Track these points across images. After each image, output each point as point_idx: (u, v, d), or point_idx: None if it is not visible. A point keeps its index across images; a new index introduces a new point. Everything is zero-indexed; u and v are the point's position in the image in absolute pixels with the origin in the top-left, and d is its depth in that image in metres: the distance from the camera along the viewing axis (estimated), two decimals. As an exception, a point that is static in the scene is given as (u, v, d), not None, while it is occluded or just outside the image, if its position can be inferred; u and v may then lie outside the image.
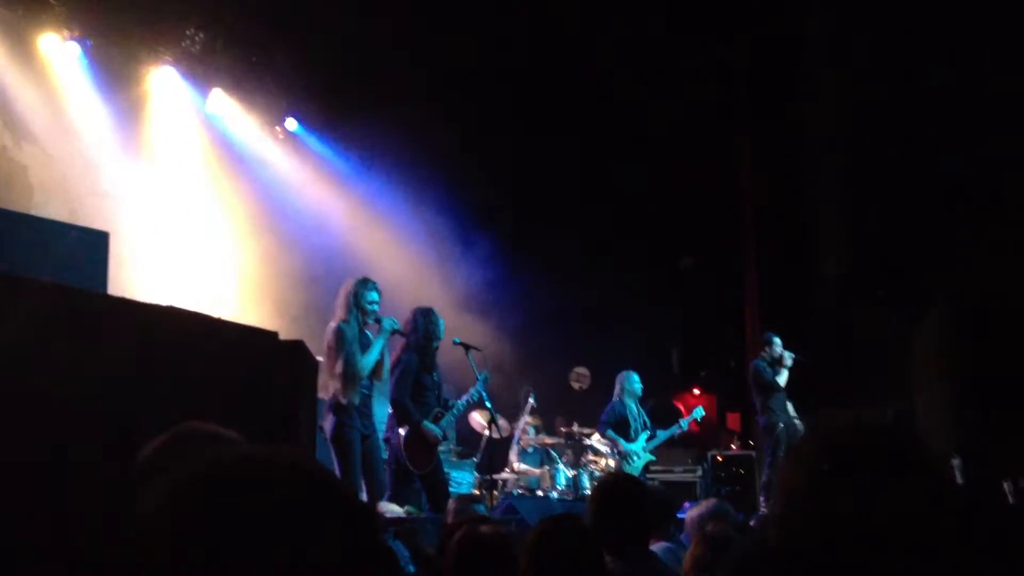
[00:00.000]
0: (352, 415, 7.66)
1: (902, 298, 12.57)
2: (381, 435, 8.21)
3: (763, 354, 11.69)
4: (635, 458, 11.07)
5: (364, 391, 7.81)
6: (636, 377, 11.38)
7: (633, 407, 11.24)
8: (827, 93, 14.52)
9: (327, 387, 7.70)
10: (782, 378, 11.43)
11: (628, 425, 11.11)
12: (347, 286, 7.95)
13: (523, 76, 13.33)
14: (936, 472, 1.63)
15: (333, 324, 7.80)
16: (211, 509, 1.04)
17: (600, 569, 3.40)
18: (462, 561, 3.52)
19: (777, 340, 11.69)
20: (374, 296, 7.92)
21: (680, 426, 11.54)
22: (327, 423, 7.66)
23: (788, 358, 11.53)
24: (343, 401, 7.61)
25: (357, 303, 7.86)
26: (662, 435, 11.43)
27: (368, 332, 7.99)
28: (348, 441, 7.62)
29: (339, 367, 7.62)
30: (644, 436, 11.21)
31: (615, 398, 11.32)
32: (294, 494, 1.07)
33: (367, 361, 7.76)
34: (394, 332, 8.01)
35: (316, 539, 1.05)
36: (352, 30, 11.78)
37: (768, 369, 11.47)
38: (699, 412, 11.74)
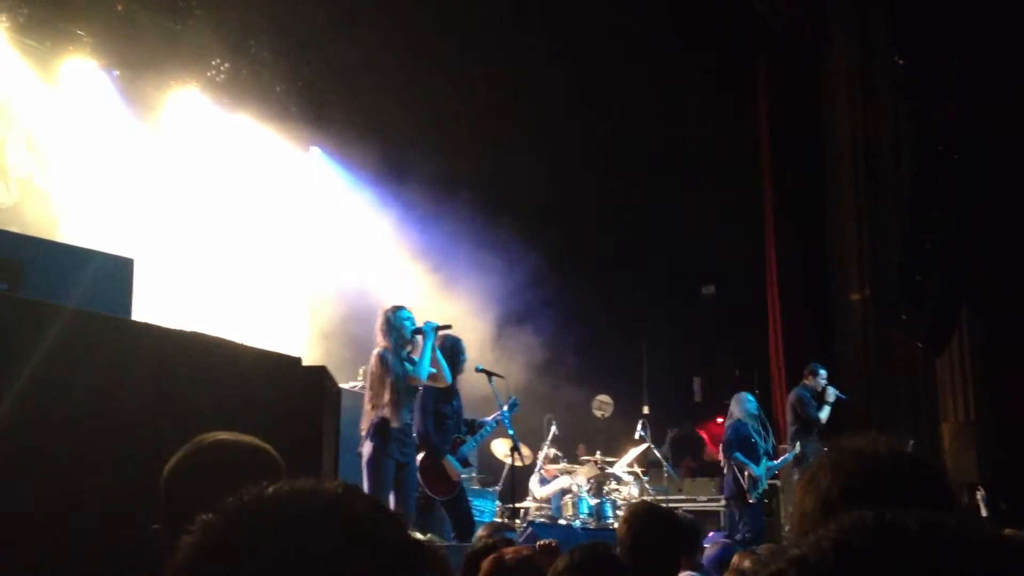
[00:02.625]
0: (390, 442, 7.66)
1: (926, 324, 12.49)
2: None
3: (806, 383, 11.42)
4: (761, 485, 10.54)
5: (407, 420, 7.83)
6: (752, 398, 10.93)
7: (752, 429, 10.70)
8: (847, 120, 14.52)
9: (367, 416, 7.72)
10: (824, 414, 11.11)
11: (755, 448, 10.56)
12: (380, 316, 8.02)
13: (556, 109, 13.37)
14: (951, 500, 1.63)
15: (376, 351, 7.86)
16: (249, 553, 1.00)
17: None
18: None
19: (823, 372, 11.35)
20: (406, 313, 8.00)
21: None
22: (365, 448, 7.68)
23: (831, 394, 11.21)
24: (394, 425, 7.62)
25: (392, 327, 7.92)
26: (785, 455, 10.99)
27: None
28: (383, 468, 7.63)
29: (387, 393, 7.64)
30: (765, 461, 10.65)
31: (733, 419, 10.77)
32: (338, 535, 1.02)
33: (421, 370, 7.81)
34: (438, 329, 8.02)
35: None
36: (376, 57, 11.86)
37: (812, 403, 11.16)
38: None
